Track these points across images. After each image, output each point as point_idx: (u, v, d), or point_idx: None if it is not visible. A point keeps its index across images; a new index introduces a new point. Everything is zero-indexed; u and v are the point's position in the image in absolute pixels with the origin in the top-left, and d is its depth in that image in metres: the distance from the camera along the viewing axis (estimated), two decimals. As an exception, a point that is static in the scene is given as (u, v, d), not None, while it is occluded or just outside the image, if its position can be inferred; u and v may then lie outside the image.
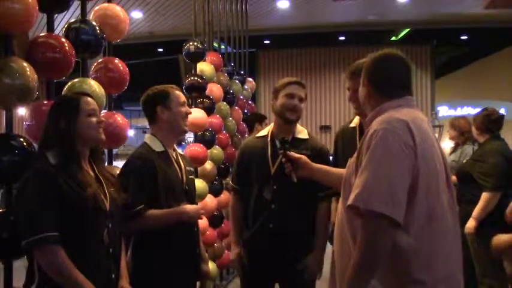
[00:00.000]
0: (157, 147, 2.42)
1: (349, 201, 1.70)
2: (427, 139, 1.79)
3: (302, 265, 2.70)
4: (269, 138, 2.79)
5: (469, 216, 3.92)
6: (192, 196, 2.53)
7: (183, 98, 2.50)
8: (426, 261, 1.73)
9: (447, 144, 5.19)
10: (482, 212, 3.82)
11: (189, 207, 2.38)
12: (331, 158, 2.82)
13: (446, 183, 1.83)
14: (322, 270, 2.76)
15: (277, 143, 2.71)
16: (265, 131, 2.86)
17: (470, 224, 3.87)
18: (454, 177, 4.01)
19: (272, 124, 2.87)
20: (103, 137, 2.06)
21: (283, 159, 2.40)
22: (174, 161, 2.46)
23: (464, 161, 4.36)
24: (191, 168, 2.64)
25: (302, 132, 2.81)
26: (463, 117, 5.16)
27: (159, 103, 2.42)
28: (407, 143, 1.72)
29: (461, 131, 4.75)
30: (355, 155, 1.89)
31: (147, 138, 2.47)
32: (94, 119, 2.01)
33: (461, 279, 1.82)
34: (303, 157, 2.40)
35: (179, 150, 2.60)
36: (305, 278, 2.71)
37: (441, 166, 1.83)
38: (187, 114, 2.49)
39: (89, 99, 2.04)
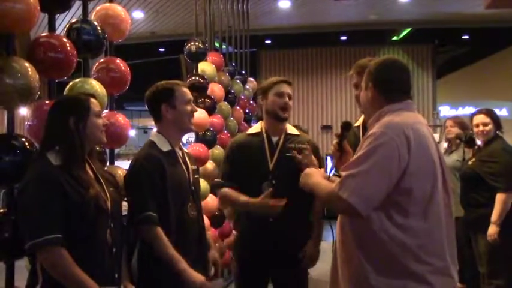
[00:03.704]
0: (165, 146, 2.36)
1: (333, 187, 1.93)
2: (424, 143, 1.95)
3: (301, 253, 2.78)
4: (264, 135, 2.86)
5: (479, 219, 3.80)
6: (197, 196, 2.48)
7: (189, 95, 2.44)
8: (423, 255, 1.90)
9: (446, 144, 5.12)
10: (500, 214, 3.71)
11: (197, 277, 2.22)
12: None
13: (443, 183, 1.99)
14: (317, 259, 2.86)
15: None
16: (257, 128, 2.93)
17: (492, 230, 3.73)
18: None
19: (262, 122, 2.94)
20: (105, 139, 2.09)
21: (337, 144, 2.43)
22: (181, 160, 2.42)
23: (470, 162, 4.11)
24: (195, 167, 2.59)
25: (292, 129, 2.93)
26: (464, 116, 5.11)
27: (164, 101, 2.36)
28: (399, 150, 1.88)
29: (467, 129, 4.65)
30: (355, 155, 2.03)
31: (154, 136, 2.41)
32: (100, 121, 2.04)
33: (455, 271, 2.00)
34: (351, 153, 2.45)
35: (185, 149, 2.57)
36: (302, 266, 2.80)
37: (438, 168, 1.98)
38: (193, 112, 2.44)
39: (95, 100, 2.07)
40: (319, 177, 2.14)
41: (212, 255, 2.56)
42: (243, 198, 2.69)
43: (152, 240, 2.22)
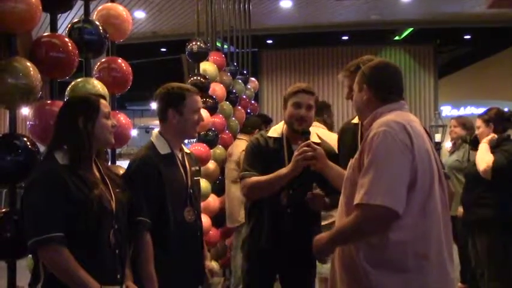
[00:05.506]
0: (164, 149, 2.35)
1: (357, 201, 1.88)
2: (421, 140, 1.98)
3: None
4: (285, 142, 2.74)
5: (479, 221, 3.79)
6: (196, 200, 2.45)
7: (199, 104, 2.41)
8: (420, 250, 1.92)
9: (449, 144, 5.11)
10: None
11: None
12: None
13: (439, 180, 2.02)
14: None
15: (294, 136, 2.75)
16: (278, 132, 2.80)
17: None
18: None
19: (283, 125, 2.82)
20: (113, 140, 2.09)
21: (305, 148, 2.45)
22: (180, 163, 2.40)
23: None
24: (197, 168, 2.56)
25: (313, 137, 2.77)
26: (468, 117, 5.11)
27: (172, 106, 2.35)
28: (406, 143, 1.90)
29: (471, 130, 4.63)
30: (356, 155, 2.04)
31: (154, 137, 2.41)
32: (110, 122, 2.04)
33: (451, 267, 2.04)
34: (321, 150, 2.51)
35: (186, 149, 2.55)
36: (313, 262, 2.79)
37: (434, 165, 2.01)
38: (199, 122, 2.42)
39: (105, 102, 2.07)
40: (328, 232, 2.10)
41: (208, 265, 2.56)
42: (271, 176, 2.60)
43: (142, 244, 2.21)
